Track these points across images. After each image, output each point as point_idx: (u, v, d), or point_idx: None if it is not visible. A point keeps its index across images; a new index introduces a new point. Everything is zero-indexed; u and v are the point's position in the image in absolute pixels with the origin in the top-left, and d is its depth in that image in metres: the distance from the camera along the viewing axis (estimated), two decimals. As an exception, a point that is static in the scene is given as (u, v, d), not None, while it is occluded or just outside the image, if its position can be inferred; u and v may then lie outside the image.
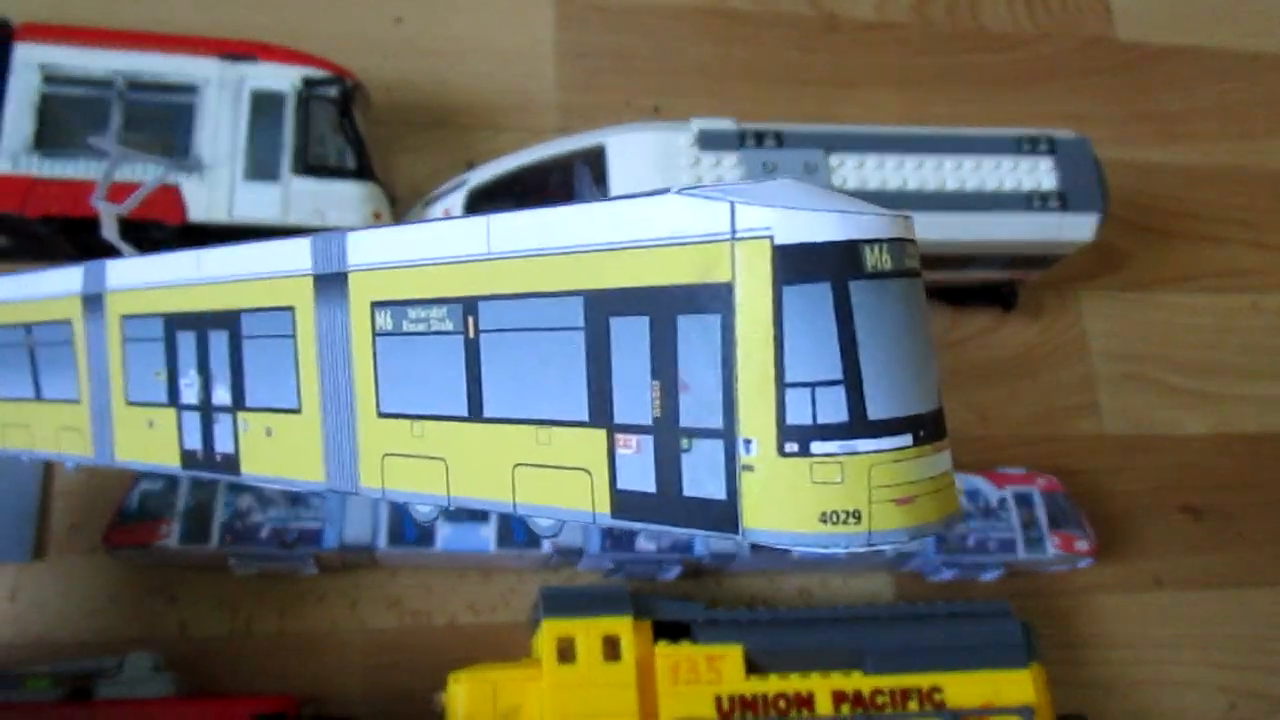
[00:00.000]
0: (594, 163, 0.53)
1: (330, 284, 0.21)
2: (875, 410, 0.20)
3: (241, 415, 0.22)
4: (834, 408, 0.20)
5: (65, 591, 0.51)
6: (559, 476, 0.22)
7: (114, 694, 0.45)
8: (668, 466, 0.21)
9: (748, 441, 0.20)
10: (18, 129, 0.50)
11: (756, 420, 0.20)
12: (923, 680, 0.51)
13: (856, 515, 0.20)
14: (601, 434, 0.22)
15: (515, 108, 0.66)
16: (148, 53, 0.52)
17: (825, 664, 0.51)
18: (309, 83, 0.53)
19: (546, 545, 0.51)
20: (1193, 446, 0.66)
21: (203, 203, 0.51)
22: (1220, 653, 0.61)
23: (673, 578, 0.55)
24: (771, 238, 0.20)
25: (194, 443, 0.22)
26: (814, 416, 0.20)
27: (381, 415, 0.21)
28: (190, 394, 0.22)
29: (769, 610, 0.52)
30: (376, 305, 0.21)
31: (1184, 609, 0.62)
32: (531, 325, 0.22)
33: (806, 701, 0.50)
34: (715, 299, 0.20)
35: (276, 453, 0.21)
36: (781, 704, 0.49)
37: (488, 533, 0.51)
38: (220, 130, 0.52)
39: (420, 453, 0.22)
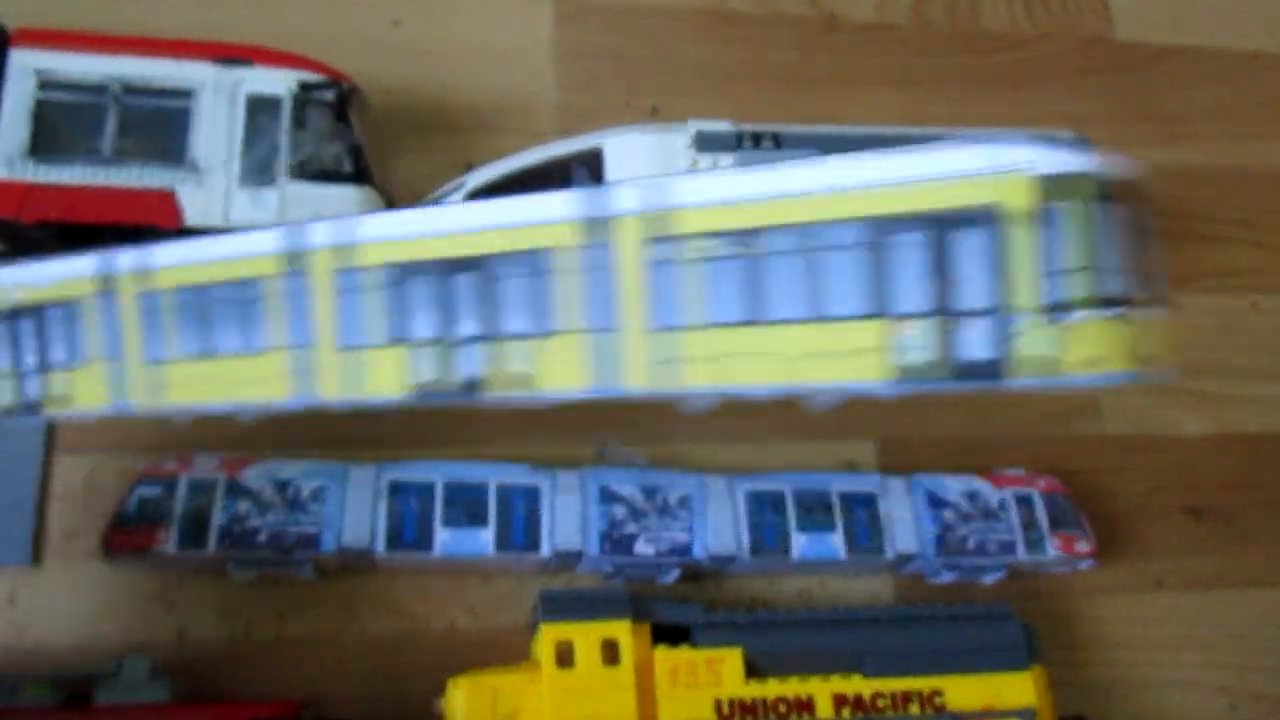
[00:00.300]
0: (591, 164, 0.53)
1: (597, 227, 0.24)
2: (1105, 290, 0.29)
3: (493, 344, 0.24)
4: (1078, 288, 0.29)
5: (63, 597, 0.51)
6: (844, 360, 0.28)
7: (112, 699, 0.45)
8: (945, 340, 0.28)
9: (1018, 314, 0.28)
10: (13, 134, 0.50)
11: (1024, 299, 0.28)
12: (923, 683, 0.51)
13: (1096, 361, 0.28)
14: (883, 322, 0.28)
15: (515, 109, 0.66)
16: (143, 58, 0.52)
17: (825, 667, 0.50)
18: (305, 86, 0.53)
19: (545, 548, 0.51)
20: (1194, 447, 0.66)
21: (200, 208, 0.51)
22: (1222, 653, 0.61)
23: (671, 581, 0.54)
24: (1035, 169, 0.28)
25: (430, 374, 0.25)
26: (1065, 295, 0.29)
27: (651, 330, 0.25)
28: (426, 330, 0.25)
29: (769, 612, 0.52)
30: (649, 241, 0.25)
31: (1185, 610, 0.61)
32: (814, 247, 0.28)
33: (807, 705, 0.50)
34: (987, 217, 0.28)
35: (530, 373, 0.24)
36: (781, 708, 0.49)
37: (486, 536, 0.51)
38: (216, 135, 0.52)
39: (695, 356, 0.26)
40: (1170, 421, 0.66)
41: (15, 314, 0.26)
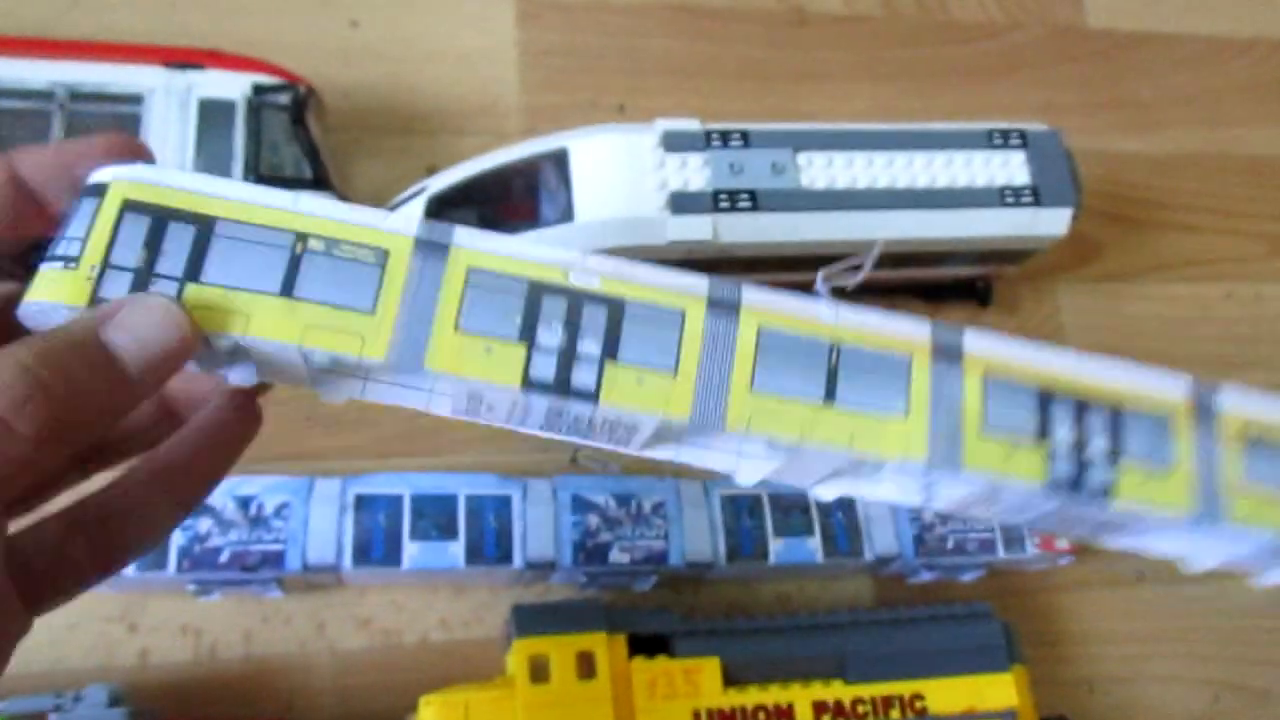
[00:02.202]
0: (556, 167, 0.51)
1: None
2: None
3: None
4: None
5: (20, 622, 0.50)
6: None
7: (69, 729, 0.44)
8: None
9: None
10: (-44, 144, 0.49)
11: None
12: (904, 688, 0.50)
13: None
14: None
15: (478, 110, 0.64)
16: (90, 63, 0.50)
17: (805, 673, 0.50)
18: (259, 90, 0.52)
19: (518, 560, 0.50)
20: (1171, 438, 0.65)
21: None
22: (1203, 645, 0.60)
23: (648, 588, 0.53)
24: None
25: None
26: None
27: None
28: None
29: (747, 619, 0.51)
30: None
31: (1166, 603, 0.61)
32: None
33: (786, 713, 0.49)
34: None
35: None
36: (761, 716, 0.48)
37: (457, 549, 0.50)
38: (168, 140, 0.50)
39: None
40: (1147, 413, 0.66)
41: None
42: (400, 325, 0.27)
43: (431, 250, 0.27)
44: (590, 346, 0.27)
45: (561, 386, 0.27)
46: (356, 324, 0.27)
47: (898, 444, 0.29)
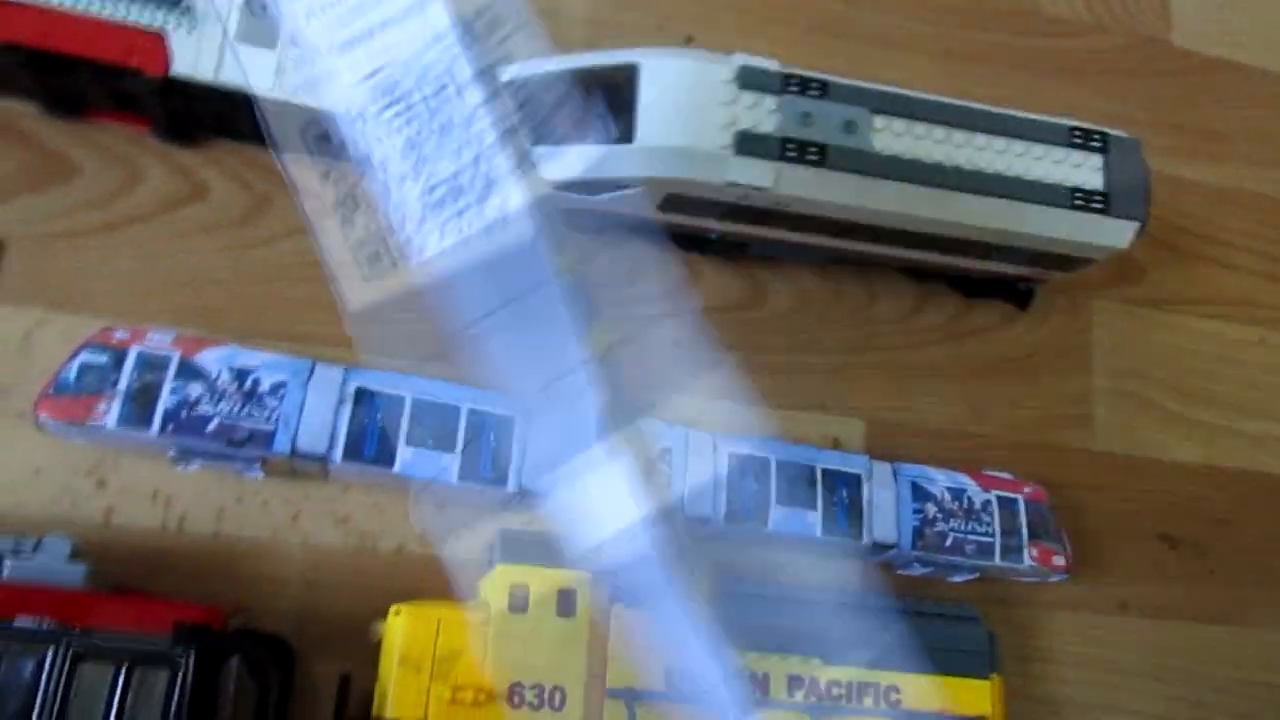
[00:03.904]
0: (622, 83, 0.49)
1: None
2: None
3: None
4: None
5: (-15, 458, 0.47)
6: None
7: (22, 576, 0.41)
8: None
9: None
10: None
11: None
12: (882, 677, 0.49)
13: None
14: None
15: (541, 12, 0.60)
16: None
17: (784, 646, 0.48)
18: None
19: (511, 483, 0.48)
20: (1179, 475, 0.64)
21: (189, 57, 0.46)
22: (1177, 686, 0.60)
23: (638, 535, 0.52)
24: None
25: None
26: None
27: None
28: None
29: (734, 581, 0.50)
30: None
31: (1145, 636, 0.60)
32: None
33: (760, 683, 0.47)
34: None
35: None
36: (734, 682, 0.47)
37: (450, 462, 0.48)
38: (219, -20, 0.47)
39: None
40: (1160, 446, 0.65)
41: None
42: None
43: None
44: None
45: None
46: None
47: None
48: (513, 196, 0.30)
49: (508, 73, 0.50)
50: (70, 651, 0.38)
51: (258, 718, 0.42)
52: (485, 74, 0.32)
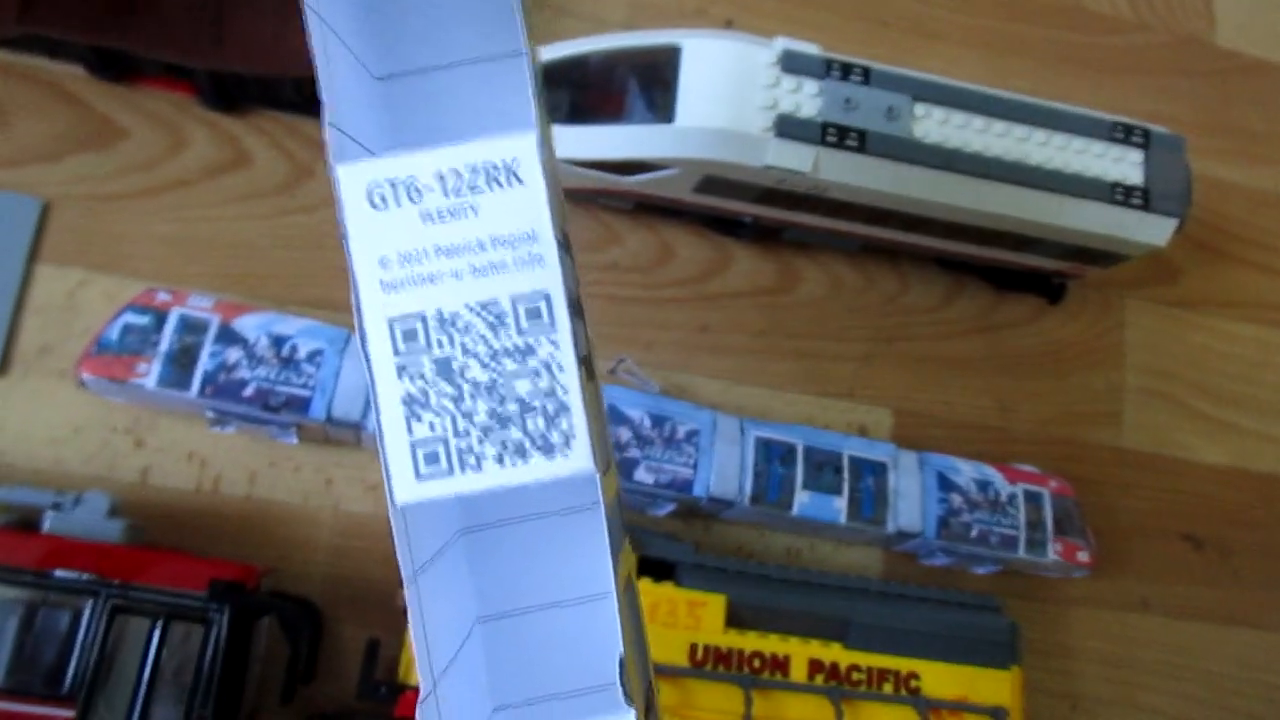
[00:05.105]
0: (664, 64, 0.49)
1: None
2: None
3: None
4: None
5: (27, 414, 0.48)
6: None
7: (63, 530, 0.42)
8: None
9: None
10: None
11: None
12: (902, 664, 0.49)
13: None
14: None
15: (582, -8, 0.61)
16: None
17: (807, 630, 0.49)
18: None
19: (541, 458, 0.49)
20: (1206, 476, 0.64)
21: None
22: (1191, 685, 0.60)
23: (664, 514, 0.52)
24: None
25: None
26: None
27: None
28: None
29: (759, 564, 0.50)
30: None
31: (1165, 636, 0.60)
32: None
33: (781, 665, 0.48)
34: None
35: None
36: (756, 662, 0.47)
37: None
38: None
39: None
40: (1188, 446, 0.64)
41: None
42: None
43: None
44: None
45: None
46: None
47: None
48: None
49: (548, 52, 0.51)
50: (109, 604, 0.39)
51: (287, 677, 0.43)
52: None
